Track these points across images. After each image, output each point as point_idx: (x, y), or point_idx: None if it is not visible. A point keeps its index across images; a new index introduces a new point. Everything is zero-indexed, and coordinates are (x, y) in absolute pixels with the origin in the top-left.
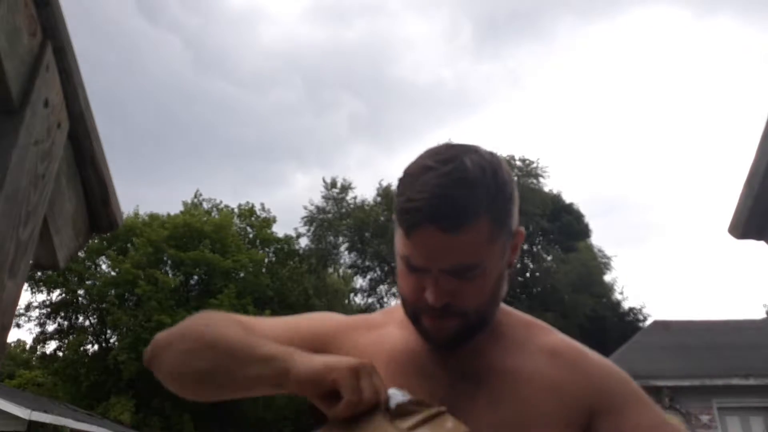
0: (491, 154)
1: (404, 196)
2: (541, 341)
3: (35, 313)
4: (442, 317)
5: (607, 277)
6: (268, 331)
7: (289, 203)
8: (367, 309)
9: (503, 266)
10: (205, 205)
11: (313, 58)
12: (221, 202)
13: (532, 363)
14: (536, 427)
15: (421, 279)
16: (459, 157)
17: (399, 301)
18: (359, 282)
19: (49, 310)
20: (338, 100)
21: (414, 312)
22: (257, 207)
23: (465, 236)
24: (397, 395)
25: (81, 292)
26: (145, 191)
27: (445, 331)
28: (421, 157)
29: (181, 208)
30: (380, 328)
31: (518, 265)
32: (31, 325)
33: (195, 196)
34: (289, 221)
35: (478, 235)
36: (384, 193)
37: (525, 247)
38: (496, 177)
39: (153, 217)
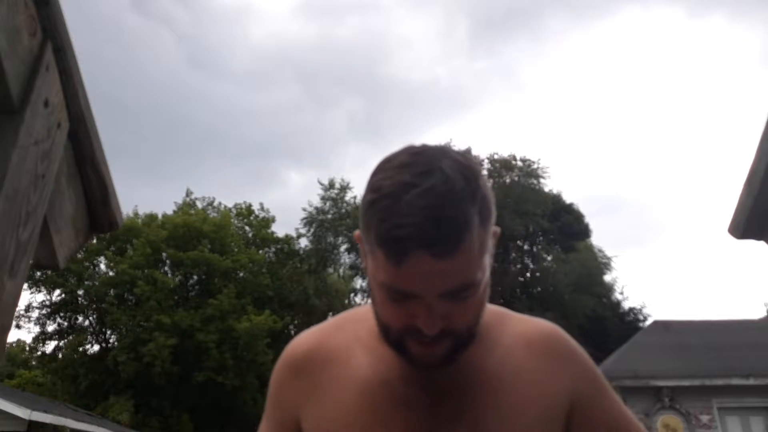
0: (463, 154)
1: (388, 223)
2: (514, 332)
3: (35, 313)
4: (433, 343)
5: (607, 278)
6: None
7: (285, 203)
8: None
9: (489, 272)
10: (199, 204)
11: (305, 57)
12: (215, 199)
13: (511, 361)
14: None
15: (409, 306)
16: (436, 167)
17: (359, 310)
18: (359, 282)
19: (48, 310)
20: (333, 99)
21: (398, 340)
22: (255, 207)
23: (460, 257)
24: None
25: (80, 292)
26: (137, 191)
27: (437, 356)
28: (393, 170)
29: (174, 208)
30: (344, 357)
31: (518, 266)
32: (31, 325)
33: (187, 195)
34: (285, 221)
35: (471, 251)
36: None
37: (525, 247)
38: (477, 182)
39: (152, 217)
